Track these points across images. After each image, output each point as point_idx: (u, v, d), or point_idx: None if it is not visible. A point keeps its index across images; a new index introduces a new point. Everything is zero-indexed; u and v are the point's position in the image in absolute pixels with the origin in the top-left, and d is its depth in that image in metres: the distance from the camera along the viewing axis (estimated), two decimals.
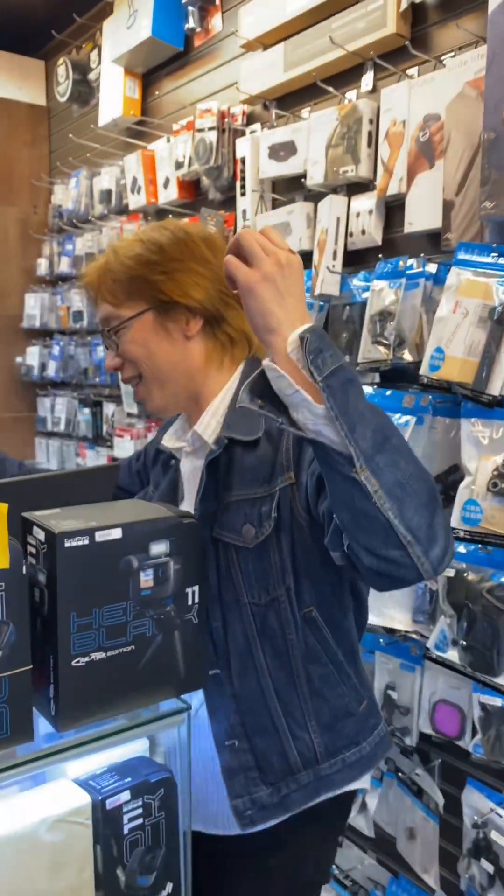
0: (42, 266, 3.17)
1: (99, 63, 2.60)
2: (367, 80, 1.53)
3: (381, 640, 1.44)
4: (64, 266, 3.00)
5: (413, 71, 1.41)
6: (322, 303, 1.62)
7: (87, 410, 2.81)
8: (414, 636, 1.36)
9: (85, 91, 2.77)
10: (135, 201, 2.32)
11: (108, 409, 2.66)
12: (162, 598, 0.98)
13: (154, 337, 1.04)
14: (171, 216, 2.21)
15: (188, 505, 1.07)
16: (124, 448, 2.46)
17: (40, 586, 0.91)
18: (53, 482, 1.14)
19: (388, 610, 1.37)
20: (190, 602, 1.01)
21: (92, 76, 2.70)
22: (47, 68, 3.21)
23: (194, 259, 1.03)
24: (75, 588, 0.91)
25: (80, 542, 0.90)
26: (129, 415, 2.50)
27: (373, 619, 1.39)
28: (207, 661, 1.03)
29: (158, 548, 0.97)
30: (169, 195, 2.17)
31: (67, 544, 0.89)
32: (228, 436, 1.00)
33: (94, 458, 2.78)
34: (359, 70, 1.56)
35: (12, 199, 3.21)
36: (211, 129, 1.90)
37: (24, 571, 0.86)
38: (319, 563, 0.99)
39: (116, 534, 0.93)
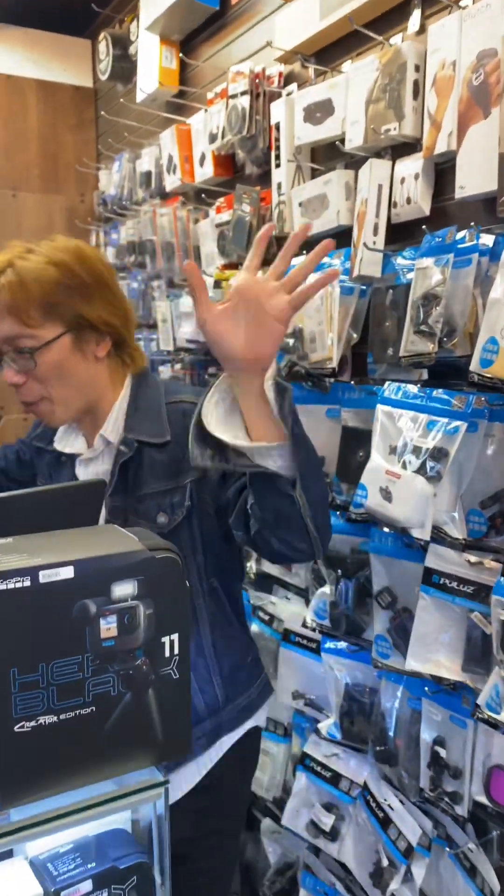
0: None
1: (138, 35, 2.48)
2: (414, 19, 1.32)
3: (427, 688, 1.24)
4: (109, 257, 2.91)
5: (468, 1, 1.20)
6: (363, 287, 1.43)
7: None
8: (467, 683, 1.17)
9: (126, 67, 2.65)
10: (171, 182, 2.19)
11: None
12: (130, 650, 0.84)
13: (71, 358, 1.13)
14: (203, 196, 2.06)
15: None
16: None
17: None
18: (31, 500, 1.02)
19: (434, 655, 1.18)
20: (167, 653, 0.87)
21: (132, 50, 2.58)
22: (93, 47, 3.13)
23: (101, 283, 1.15)
24: (15, 639, 0.78)
25: (18, 584, 0.76)
26: None
27: (416, 665, 1.20)
28: (190, 722, 0.89)
29: (123, 589, 0.83)
30: (205, 173, 2.02)
31: (2, 586, 0.75)
32: (138, 438, 1.15)
33: None
34: (406, 8, 1.35)
35: (58, 187, 3.15)
36: (243, 93, 1.74)
37: None
38: (222, 540, 1.19)
39: (67, 573, 0.79)
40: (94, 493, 1.07)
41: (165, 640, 0.85)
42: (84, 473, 1.23)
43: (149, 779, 0.86)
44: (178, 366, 2.16)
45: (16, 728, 0.76)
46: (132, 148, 2.67)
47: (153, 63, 2.27)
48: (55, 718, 0.78)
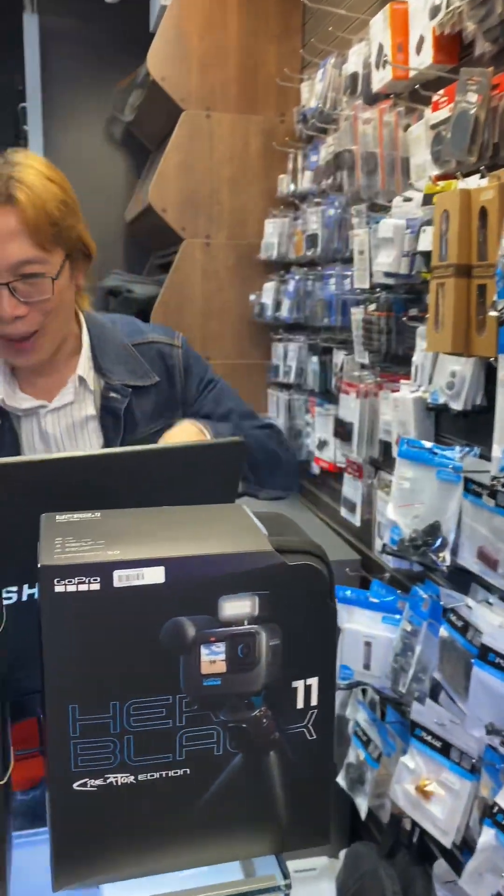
0: (283, 184, 2.85)
1: None
2: None
3: None
4: (306, 181, 2.65)
5: None
6: None
7: (315, 359, 2.46)
8: None
9: None
10: (379, 79, 1.86)
11: (339, 357, 2.28)
12: (244, 695, 0.60)
13: (69, 286, 1.11)
14: (418, 88, 1.70)
15: None
16: (348, 409, 2.07)
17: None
18: (155, 458, 0.82)
19: None
20: (300, 704, 0.62)
21: None
22: None
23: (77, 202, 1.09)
24: (76, 664, 0.57)
25: (83, 587, 0.55)
26: (362, 366, 2.08)
27: None
28: (330, 800, 0.64)
29: (237, 607, 0.59)
30: (422, 61, 1.66)
31: (60, 588, 0.55)
32: (126, 383, 1.15)
33: (322, 420, 2.43)
34: None
35: (257, 106, 2.92)
36: None
37: None
38: None
39: (155, 575, 0.56)
40: (230, 454, 0.84)
41: (298, 684, 0.60)
42: (53, 426, 1.13)
43: (262, 878, 0.63)
44: (371, 306, 1.86)
45: (75, 786, 0.56)
46: (340, 49, 2.35)
47: None
48: (131, 778, 0.57)
